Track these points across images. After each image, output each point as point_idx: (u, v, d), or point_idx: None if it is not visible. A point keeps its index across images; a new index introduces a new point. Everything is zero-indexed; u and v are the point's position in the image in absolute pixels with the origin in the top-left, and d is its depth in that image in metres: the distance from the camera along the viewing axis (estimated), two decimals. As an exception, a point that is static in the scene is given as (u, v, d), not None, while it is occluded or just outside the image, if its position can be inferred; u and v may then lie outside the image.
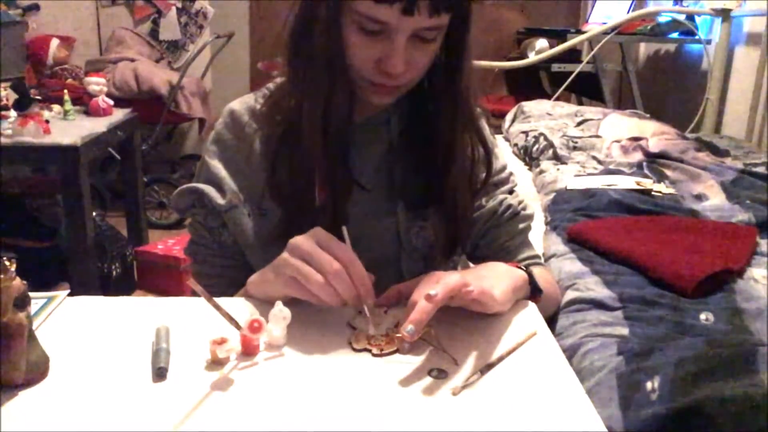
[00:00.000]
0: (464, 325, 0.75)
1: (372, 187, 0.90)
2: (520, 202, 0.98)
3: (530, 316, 0.79)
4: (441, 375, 0.65)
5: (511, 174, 1.00)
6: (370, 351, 0.69)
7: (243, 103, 0.94)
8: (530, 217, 0.99)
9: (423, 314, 0.66)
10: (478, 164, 0.91)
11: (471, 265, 0.99)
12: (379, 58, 0.79)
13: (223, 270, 0.93)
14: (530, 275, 0.82)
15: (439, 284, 0.67)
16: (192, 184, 0.91)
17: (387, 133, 0.91)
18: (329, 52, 0.79)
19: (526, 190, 1.73)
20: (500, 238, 0.96)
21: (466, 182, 0.90)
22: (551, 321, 0.96)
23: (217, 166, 0.91)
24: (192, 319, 0.76)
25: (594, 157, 1.88)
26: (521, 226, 0.97)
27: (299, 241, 0.72)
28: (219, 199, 0.89)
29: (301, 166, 0.85)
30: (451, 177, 0.88)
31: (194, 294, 0.81)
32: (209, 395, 0.62)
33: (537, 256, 0.99)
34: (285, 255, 0.72)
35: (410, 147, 0.90)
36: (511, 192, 0.98)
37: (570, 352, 0.88)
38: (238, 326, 0.68)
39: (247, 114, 0.92)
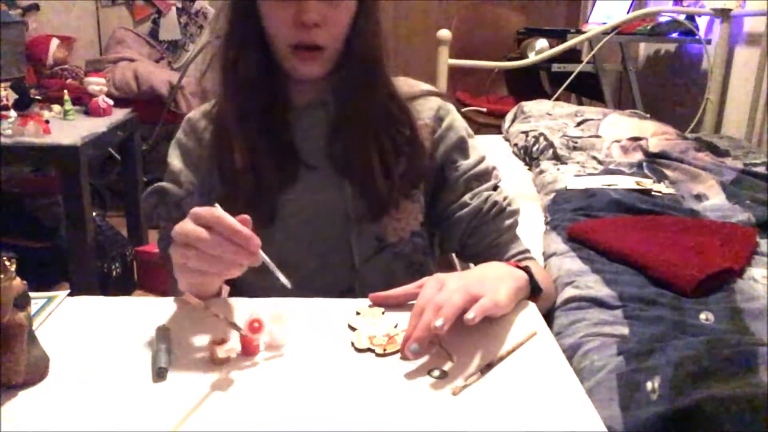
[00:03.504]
0: (464, 325, 0.75)
1: (317, 164, 0.95)
2: (505, 198, 0.98)
3: (530, 316, 0.80)
4: (441, 375, 0.65)
5: (494, 169, 1.00)
6: (373, 351, 0.70)
7: (199, 110, 1.03)
8: (516, 212, 0.99)
9: (426, 333, 0.66)
10: (393, 125, 0.95)
11: (471, 265, 0.99)
12: (294, 14, 0.86)
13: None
14: (530, 275, 0.83)
15: (443, 312, 0.66)
16: (156, 184, 0.99)
17: (327, 115, 0.96)
18: (243, 29, 0.91)
19: (526, 190, 1.73)
20: (488, 235, 0.96)
21: (372, 142, 0.93)
22: (547, 316, 0.96)
23: (175, 164, 0.99)
24: (192, 319, 0.76)
25: (594, 157, 1.88)
26: (508, 222, 0.97)
27: (176, 227, 0.71)
28: (177, 191, 0.96)
29: (226, 144, 0.92)
30: (356, 135, 0.93)
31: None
32: (209, 395, 0.62)
33: (527, 251, 0.99)
34: (171, 247, 0.72)
35: (348, 127, 0.94)
36: (495, 188, 0.98)
37: (570, 352, 0.88)
38: (238, 328, 0.68)
39: (201, 117, 1.01)
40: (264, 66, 0.92)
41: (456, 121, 0.99)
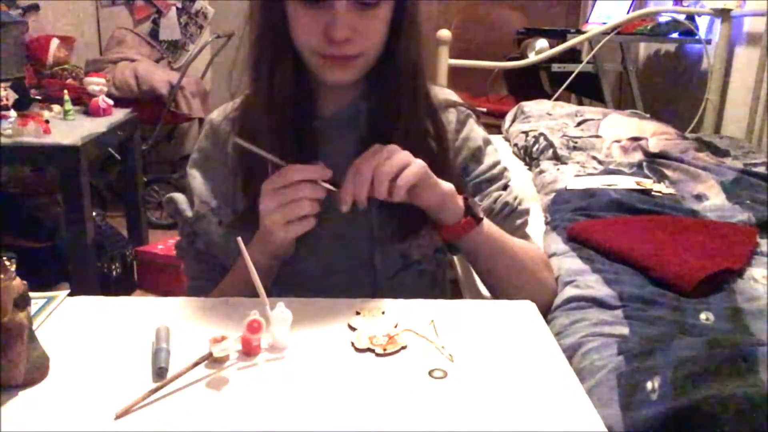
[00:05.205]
0: (464, 324, 0.75)
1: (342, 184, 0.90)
2: (515, 198, 0.98)
3: (530, 315, 0.80)
4: (441, 375, 0.65)
5: (504, 170, 1.00)
6: (373, 351, 0.70)
7: (220, 111, 0.98)
8: (527, 212, 0.99)
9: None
10: (428, 143, 0.91)
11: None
12: (325, 28, 0.80)
13: (200, 273, 0.96)
14: (468, 201, 0.87)
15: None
16: (172, 193, 0.97)
17: (357, 129, 0.91)
18: (271, 33, 0.84)
19: (526, 190, 1.72)
20: None
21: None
22: (548, 316, 0.96)
23: (195, 176, 0.95)
24: (192, 319, 0.76)
25: (594, 157, 1.88)
26: (518, 222, 0.97)
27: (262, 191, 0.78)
28: (187, 211, 0.94)
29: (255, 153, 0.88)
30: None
31: (192, 293, 0.82)
32: (209, 396, 0.62)
33: (537, 249, 0.99)
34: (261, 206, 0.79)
35: (380, 142, 0.89)
36: (505, 188, 0.98)
37: (570, 352, 0.88)
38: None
39: (223, 120, 0.96)
40: (292, 69, 0.86)
41: (473, 131, 0.97)
